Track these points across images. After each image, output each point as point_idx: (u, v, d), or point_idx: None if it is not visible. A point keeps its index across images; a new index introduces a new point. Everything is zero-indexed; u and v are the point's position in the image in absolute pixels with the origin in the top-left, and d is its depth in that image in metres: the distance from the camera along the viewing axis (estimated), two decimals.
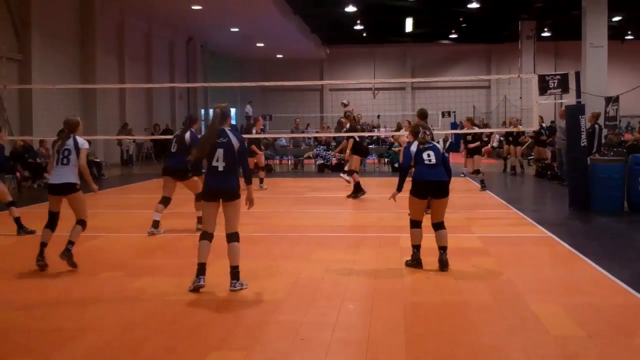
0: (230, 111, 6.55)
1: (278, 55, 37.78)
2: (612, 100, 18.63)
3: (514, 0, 28.70)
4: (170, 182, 9.00)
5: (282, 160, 21.80)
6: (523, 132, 19.04)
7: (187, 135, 8.94)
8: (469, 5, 26.23)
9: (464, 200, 12.26)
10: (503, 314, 5.26)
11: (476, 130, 14.95)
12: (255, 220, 9.41)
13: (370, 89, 35.77)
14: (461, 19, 32.84)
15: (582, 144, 11.12)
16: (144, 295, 5.88)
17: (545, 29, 34.35)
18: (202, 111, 33.40)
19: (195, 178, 8.93)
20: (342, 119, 15.75)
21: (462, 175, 16.33)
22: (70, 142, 6.89)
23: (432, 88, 33.60)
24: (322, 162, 20.32)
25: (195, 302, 5.64)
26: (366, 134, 17.22)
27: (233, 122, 32.56)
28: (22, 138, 16.30)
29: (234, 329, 4.98)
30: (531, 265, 7.11)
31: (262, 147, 17.13)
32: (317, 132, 25.12)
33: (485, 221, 10.32)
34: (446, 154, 7.37)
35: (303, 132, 24.53)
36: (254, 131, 14.99)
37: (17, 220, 8.95)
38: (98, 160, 18.70)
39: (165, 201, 8.96)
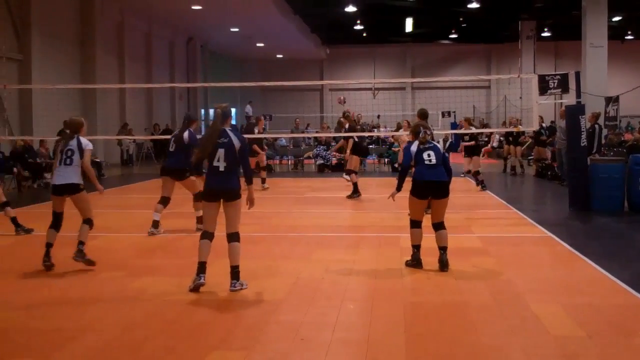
0: (231, 111, 6.56)
1: (278, 55, 37.78)
2: (612, 100, 18.64)
3: (514, 0, 28.70)
4: (169, 182, 9.00)
5: (282, 160, 21.80)
6: (523, 132, 19.04)
7: (186, 134, 8.94)
8: (469, 5, 26.23)
9: (464, 201, 12.26)
10: (503, 314, 5.26)
11: (473, 130, 14.95)
12: (255, 220, 9.41)
13: (370, 89, 35.78)
14: (461, 19, 32.84)
15: (582, 144, 11.12)
16: (144, 295, 5.88)
17: (545, 29, 34.34)
18: (202, 111, 33.41)
19: (193, 178, 8.95)
20: (341, 119, 15.77)
21: (462, 175, 16.33)
22: (73, 143, 6.90)
23: (432, 88, 33.58)
24: (322, 162, 20.32)
25: (196, 302, 5.64)
26: (366, 134, 17.21)
27: (233, 122, 32.53)
28: (22, 138, 16.29)
29: (234, 329, 4.98)
30: (531, 265, 7.11)
31: (265, 147, 17.12)
32: (317, 132, 25.11)
33: (486, 221, 10.31)
34: (446, 154, 7.36)
35: (303, 132, 24.53)
36: (256, 130, 14.98)
37: (14, 220, 8.97)
38: (98, 160, 18.68)
39: (165, 201, 8.96)
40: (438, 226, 6.75)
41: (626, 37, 36.20)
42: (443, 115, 31.68)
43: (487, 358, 4.39)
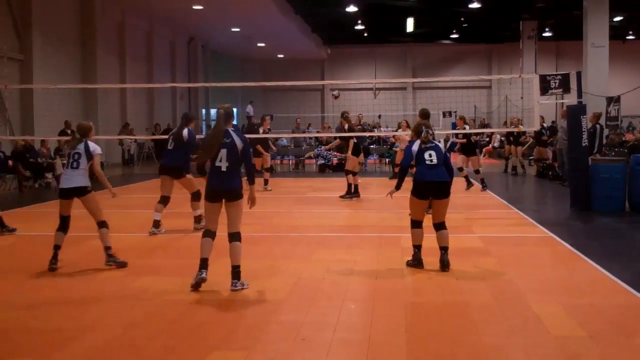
0: (233, 112, 6.56)
1: (279, 55, 37.79)
2: (613, 100, 18.63)
3: (515, 0, 28.68)
4: (168, 181, 9.00)
5: (283, 160, 21.79)
6: (524, 132, 19.02)
7: (185, 132, 8.93)
8: (470, 5, 26.22)
9: (465, 201, 12.25)
10: (504, 314, 5.26)
11: (467, 129, 14.91)
12: (256, 220, 9.40)
13: (371, 89, 35.77)
14: (462, 19, 32.82)
15: (584, 144, 11.11)
16: (145, 295, 5.88)
17: (547, 29, 34.30)
18: (203, 111, 33.42)
19: (190, 176, 8.96)
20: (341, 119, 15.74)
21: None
22: (81, 147, 6.96)
23: (433, 88, 33.54)
24: (323, 162, 20.32)
25: (196, 302, 5.63)
26: (366, 134, 17.20)
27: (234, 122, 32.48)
28: (23, 138, 16.30)
29: (235, 329, 4.97)
30: (532, 265, 7.11)
31: (274, 148, 17.05)
32: (318, 132, 25.11)
33: (487, 221, 10.30)
34: (447, 154, 7.34)
35: (304, 132, 24.52)
36: (260, 131, 14.95)
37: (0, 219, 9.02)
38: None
39: (164, 200, 8.95)
40: (439, 226, 6.74)
41: (627, 37, 36.16)
42: (444, 115, 31.66)
43: (488, 358, 4.38)
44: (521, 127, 17.49)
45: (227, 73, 35.60)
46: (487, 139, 28.47)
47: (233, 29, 28.59)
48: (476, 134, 16.34)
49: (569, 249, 7.78)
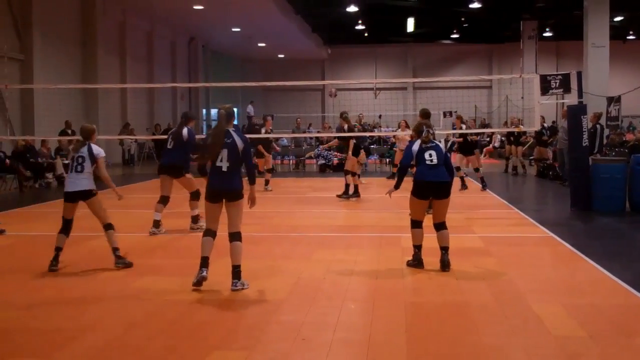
0: (234, 112, 6.57)
1: (279, 55, 37.80)
2: (613, 100, 18.63)
3: (516, 0, 28.67)
4: (167, 181, 8.99)
5: (283, 160, 21.79)
6: (524, 132, 19.01)
7: (185, 131, 8.92)
8: (471, 5, 26.23)
9: (465, 200, 12.25)
10: (504, 314, 5.25)
11: (464, 129, 14.90)
12: (256, 220, 9.40)
13: (371, 89, 35.76)
14: (462, 19, 32.83)
15: (584, 144, 11.10)
16: (145, 294, 5.88)
17: (547, 29, 34.31)
18: (204, 111, 33.42)
19: (189, 175, 8.95)
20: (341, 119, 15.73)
21: (465, 175, 16.26)
22: (84, 150, 6.95)
23: (433, 88, 33.40)
24: (323, 162, 20.31)
25: (197, 302, 5.63)
26: (366, 134, 17.18)
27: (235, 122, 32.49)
28: (24, 138, 16.31)
29: (235, 329, 4.97)
30: (532, 265, 7.10)
31: (277, 148, 17.01)
32: (318, 132, 25.11)
33: (487, 221, 10.30)
34: (448, 154, 7.34)
35: (304, 132, 24.52)
36: (263, 131, 14.94)
37: None
38: None
39: (164, 200, 8.95)
40: (439, 226, 6.74)
41: (628, 37, 36.16)
42: (445, 115, 31.64)
43: (488, 358, 4.37)
44: (521, 127, 17.47)
45: (227, 73, 35.60)
46: (488, 139, 28.47)
47: (233, 29, 28.60)
48: (476, 134, 16.31)
49: (569, 249, 7.77)
